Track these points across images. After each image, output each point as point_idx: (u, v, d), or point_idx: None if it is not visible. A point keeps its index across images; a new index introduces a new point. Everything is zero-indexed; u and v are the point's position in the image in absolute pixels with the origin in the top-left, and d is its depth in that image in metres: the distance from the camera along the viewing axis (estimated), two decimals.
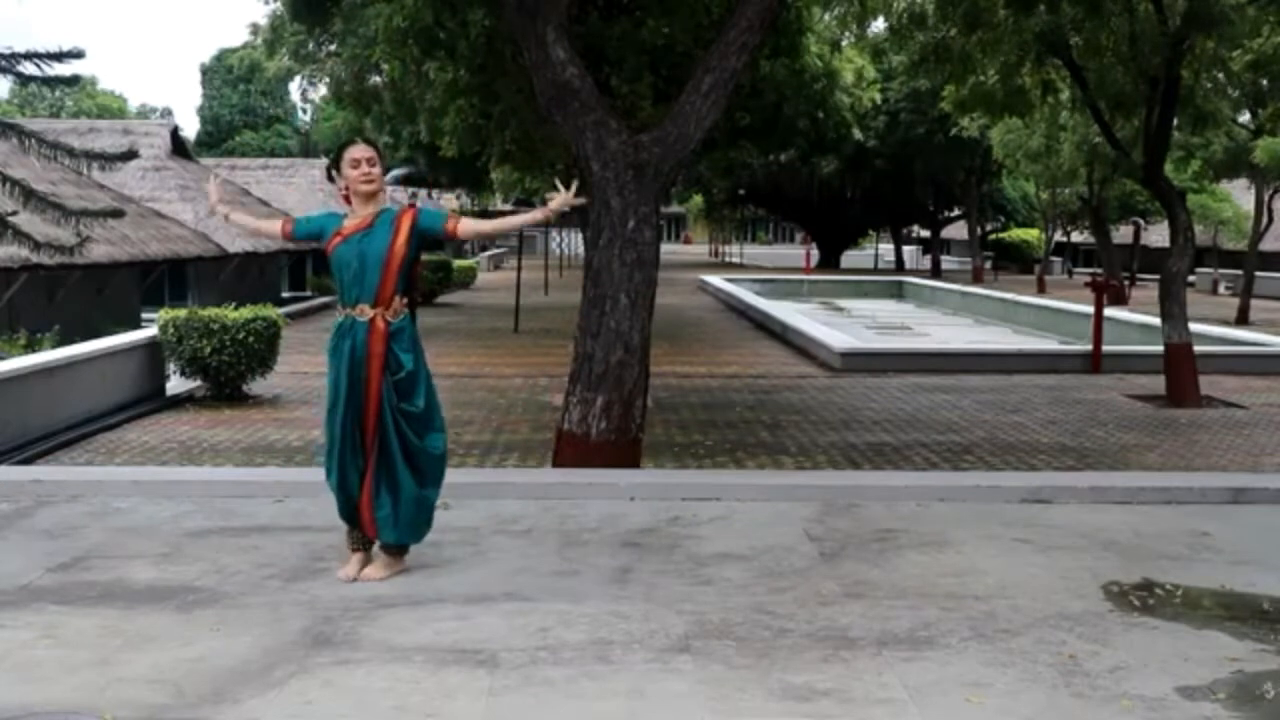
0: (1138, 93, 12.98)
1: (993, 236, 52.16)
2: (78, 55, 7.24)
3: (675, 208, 72.39)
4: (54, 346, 11.93)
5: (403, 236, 4.94)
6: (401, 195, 36.11)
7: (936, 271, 42.73)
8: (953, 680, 4.00)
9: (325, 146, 64.24)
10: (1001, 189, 48.67)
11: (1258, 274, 26.72)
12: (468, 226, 5.18)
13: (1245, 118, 22.50)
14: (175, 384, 12.29)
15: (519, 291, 22.49)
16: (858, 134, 22.57)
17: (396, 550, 5.10)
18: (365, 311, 4.92)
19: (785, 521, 6.11)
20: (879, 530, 5.97)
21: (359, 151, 5.01)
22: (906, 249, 55.32)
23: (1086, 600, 4.88)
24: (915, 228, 58.89)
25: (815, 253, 46.29)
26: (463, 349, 17.46)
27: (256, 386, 12.32)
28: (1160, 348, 12.86)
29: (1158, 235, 37.76)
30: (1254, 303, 25.39)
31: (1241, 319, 23.65)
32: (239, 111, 70.03)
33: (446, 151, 15.42)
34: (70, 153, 7.86)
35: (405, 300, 5.01)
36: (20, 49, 7.24)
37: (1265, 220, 26.07)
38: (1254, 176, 25.42)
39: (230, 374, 11.81)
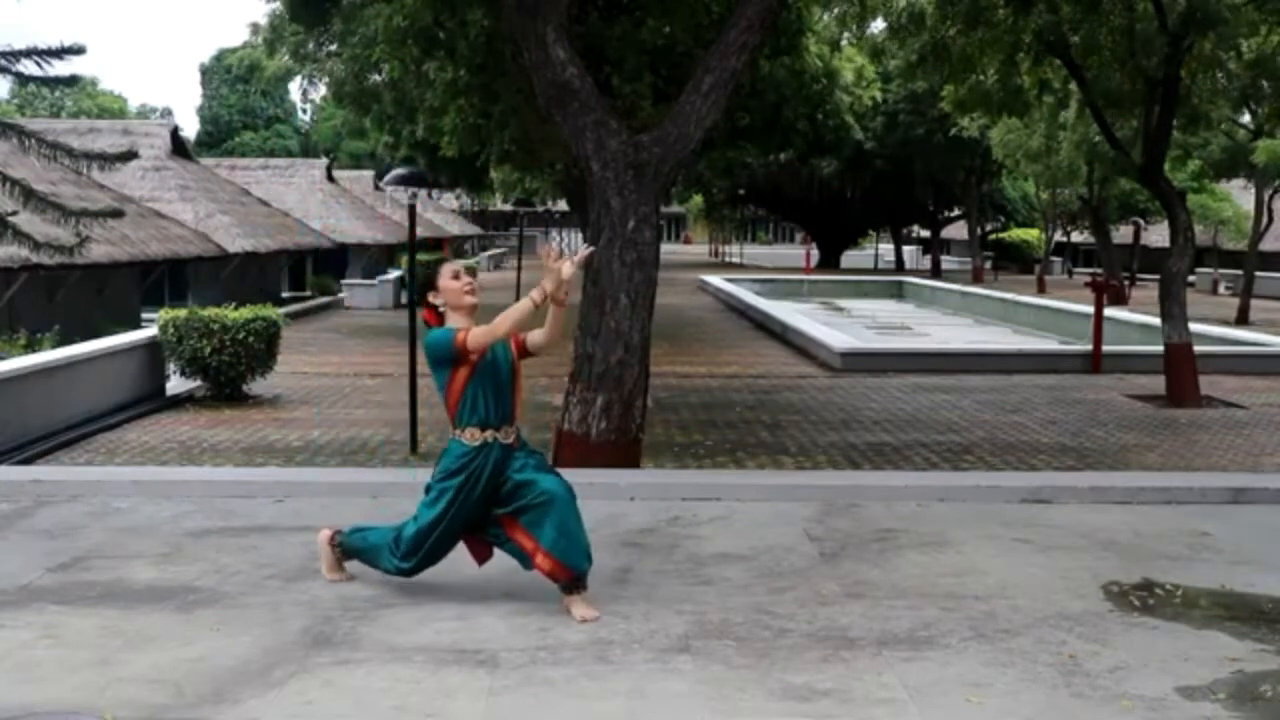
0: (1136, 92, 12.97)
1: (993, 236, 52.14)
2: (78, 51, 7.19)
3: (675, 208, 72.39)
4: (54, 346, 11.92)
5: (516, 354, 4.79)
6: (401, 195, 36.06)
7: (936, 271, 42.71)
8: (953, 680, 4.00)
9: (325, 146, 64.34)
10: (1001, 189, 48.66)
11: (1258, 274, 26.70)
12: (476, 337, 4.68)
13: (1245, 118, 22.48)
14: (175, 384, 12.29)
15: (519, 291, 22.48)
16: (858, 134, 22.55)
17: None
18: (509, 434, 4.70)
19: (785, 521, 6.11)
20: (879, 530, 5.97)
21: (454, 266, 4.85)
22: (906, 249, 55.30)
23: (1086, 600, 4.88)
24: (915, 228, 58.89)
25: (815, 253, 46.26)
26: None
27: (256, 386, 12.32)
28: (1160, 348, 12.85)
29: (1158, 235, 37.73)
30: (1254, 303, 25.37)
31: (1241, 319, 23.63)
32: (239, 111, 70.02)
33: (446, 151, 15.42)
34: (70, 153, 7.81)
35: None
36: (20, 47, 7.20)
37: (1265, 220, 26.05)
38: (1253, 176, 25.41)
39: (230, 374, 11.81)
